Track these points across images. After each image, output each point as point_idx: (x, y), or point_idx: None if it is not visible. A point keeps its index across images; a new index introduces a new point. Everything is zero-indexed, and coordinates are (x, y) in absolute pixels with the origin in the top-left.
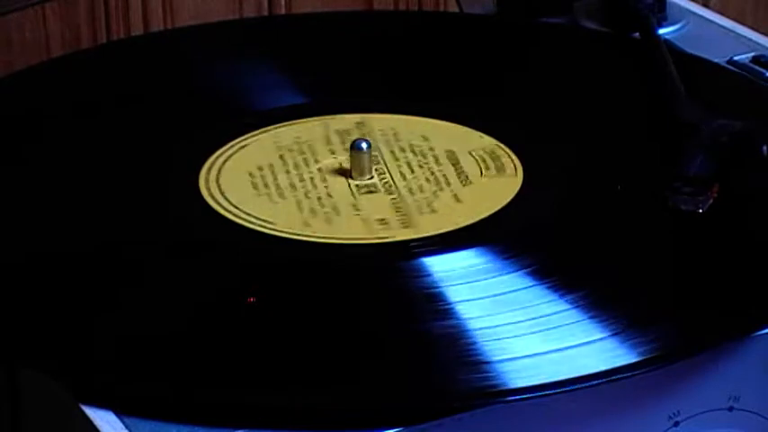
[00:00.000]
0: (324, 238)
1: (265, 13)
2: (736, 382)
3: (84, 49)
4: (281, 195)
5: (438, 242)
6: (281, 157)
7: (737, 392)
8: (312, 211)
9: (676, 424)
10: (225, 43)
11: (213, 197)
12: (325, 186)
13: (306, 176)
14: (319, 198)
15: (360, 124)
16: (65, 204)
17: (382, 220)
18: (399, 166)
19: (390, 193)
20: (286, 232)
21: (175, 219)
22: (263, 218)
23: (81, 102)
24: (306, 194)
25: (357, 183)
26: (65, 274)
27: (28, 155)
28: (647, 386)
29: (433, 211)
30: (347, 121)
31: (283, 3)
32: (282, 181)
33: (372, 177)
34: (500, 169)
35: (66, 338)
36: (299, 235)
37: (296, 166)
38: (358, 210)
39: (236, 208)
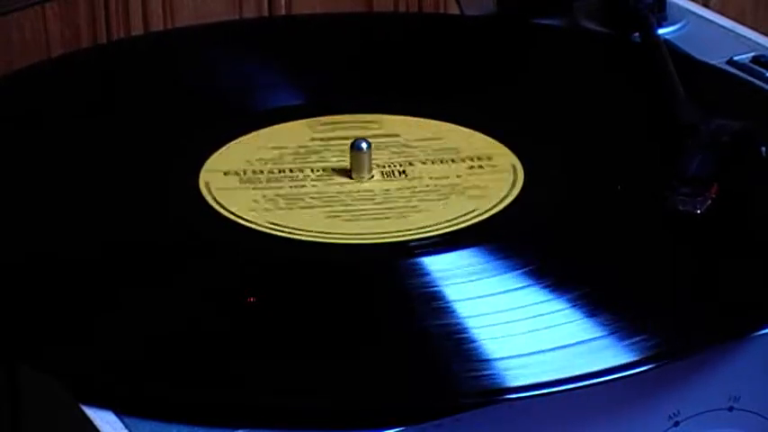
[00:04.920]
0: (496, 205)
1: (265, 13)
2: (736, 382)
3: (84, 48)
4: (387, 208)
5: (438, 242)
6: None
7: (737, 392)
8: (446, 194)
9: (676, 424)
10: (225, 43)
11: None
12: (386, 189)
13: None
14: (415, 190)
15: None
16: (65, 204)
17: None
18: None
19: (421, 163)
20: (474, 217)
21: (175, 219)
22: (379, 231)
23: (81, 101)
24: (407, 198)
25: (381, 177)
26: (65, 274)
27: (28, 154)
28: (647, 386)
29: (474, 152)
30: (228, 157)
31: (283, 3)
32: (348, 203)
33: (374, 175)
34: (377, 122)
35: (66, 338)
36: (480, 214)
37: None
38: (448, 176)
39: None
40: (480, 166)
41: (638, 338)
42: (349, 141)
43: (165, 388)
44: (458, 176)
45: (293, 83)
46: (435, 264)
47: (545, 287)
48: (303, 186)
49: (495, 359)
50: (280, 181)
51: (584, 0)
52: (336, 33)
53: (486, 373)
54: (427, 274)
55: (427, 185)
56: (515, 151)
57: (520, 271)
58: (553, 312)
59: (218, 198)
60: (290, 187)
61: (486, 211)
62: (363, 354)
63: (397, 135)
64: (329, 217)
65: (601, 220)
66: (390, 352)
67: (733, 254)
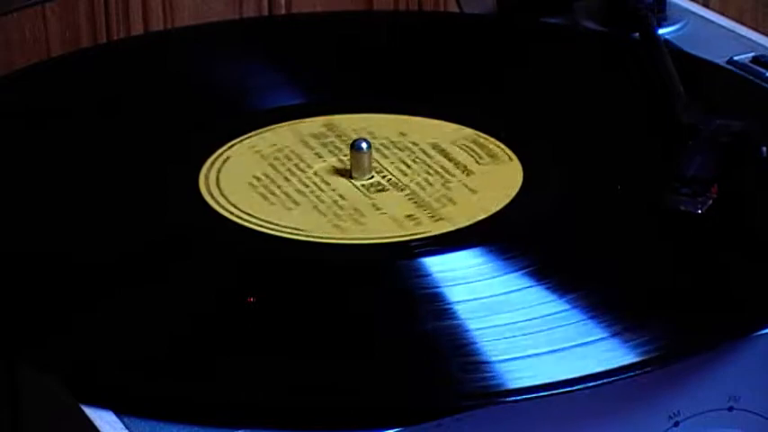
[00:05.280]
0: (358, 239)
1: (265, 13)
2: (736, 382)
3: (84, 48)
4: (292, 200)
5: (438, 242)
6: (280, 157)
7: (737, 392)
8: (336, 214)
9: (676, 424)
10: (225, 43)
11: (213, 197)
12: (333, 189)
13: (307, 178)
14: (335, 201)
15: (329, 125)
16: (65, 203)
17: (410, 215)
18: (393, 163)
19: (401, 190)
20: (318, 237)
21: (175, 219)
22: (269, 219)
23: (81, 101)
24: (318, 198)
25: (362, 182)
26: (65, 274)
27: (28, 154)
28: (647, 386)
29: (453, 202)
30: (316, 123)
31: (283, 3)
32: (286, 182)
33: (373, 177)
34: (492, 155)
35: (65, 338)
36: (332, 238)
37: (295, 166)
38: (379, 208)
39: (236, 208)
40: (418, 223)
41: (638, 339)
42: (445, 161)
43: (164, 388)
44: (382, 213)
45: (293, 82)
46: (436, 264)
47: (544, 288)
48: (305, 163)
49: (496, 360)
50: (287, 162)
51: (584, 0)
52: (337, 32)
53: (486, 374)
54: (428, 275)
55: (356, 201)
56: (516, 150)
57: (520, 272)
58: (553, 314)
59: (223, 170)
60: (288, 171)
61: (307, 235)
62: (363, 354)
63: (470, 173)
64: (250, 185)
65: (601, 220)
66: (390, 352)
67: (733, 254)
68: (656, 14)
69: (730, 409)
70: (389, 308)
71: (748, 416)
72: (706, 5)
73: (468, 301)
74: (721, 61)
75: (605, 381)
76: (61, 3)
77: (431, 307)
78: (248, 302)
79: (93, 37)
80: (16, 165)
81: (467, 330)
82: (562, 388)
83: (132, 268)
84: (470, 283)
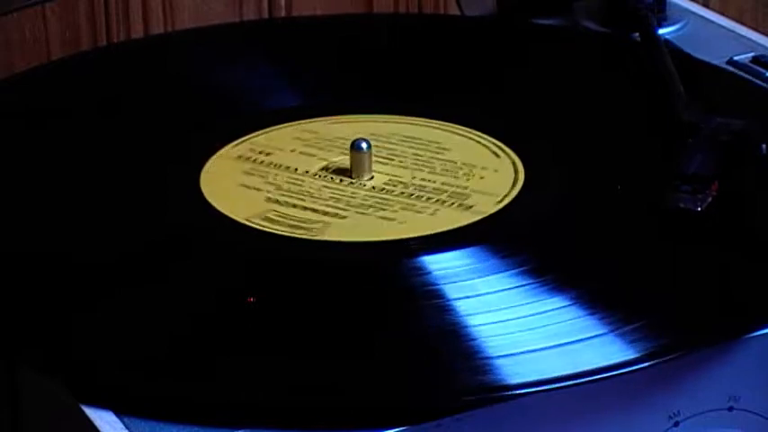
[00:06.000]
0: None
1: (265, 15)
2: (736, 382)
3: (84, 51)
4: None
5: (437, 241)
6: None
7: (737, 392)
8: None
9: (676, 424)
10: (226, 46)
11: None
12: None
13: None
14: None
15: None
16: (66, 204)
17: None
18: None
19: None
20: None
21: (175, 219)
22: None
23: (82, 103)
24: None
25: (362, 183)
26: (65, 274)
27: (28, 154)
28: (647, 386)
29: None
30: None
31: (283, 5)
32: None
33: (373, 177)
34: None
35: (66, 338)
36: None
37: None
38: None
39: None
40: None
41: (637, 337)
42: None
43: (164, 388)
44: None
45: (293, 84)
46: (435, 263)
47: (545, 285)
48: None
49: (496, 357)
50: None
51: (584, 0)
52: (336, 34)
53: (486, 370)
54: (428, 273)
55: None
56: (516, 150)
57: (520, 269)
58: (553, 310)
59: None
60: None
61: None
62: (364, 354)
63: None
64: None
65: (601, 218)
66: (390, 352)
67: (733, 253)
68: (656, 14)
69: (730, 409)
70: (389, 307)
71: (748, 416)
72: (706, 5)
73: (468, 298)
74: (721, 61)
75: (605, 376)
76: (61, 3)
77: (430, 306)
78: (248, 302)
79: (93, 37)
80: (16, 165)
81: (466, 328)
82: (561, 383)
83: (132, 268)
84: (470, 281)
